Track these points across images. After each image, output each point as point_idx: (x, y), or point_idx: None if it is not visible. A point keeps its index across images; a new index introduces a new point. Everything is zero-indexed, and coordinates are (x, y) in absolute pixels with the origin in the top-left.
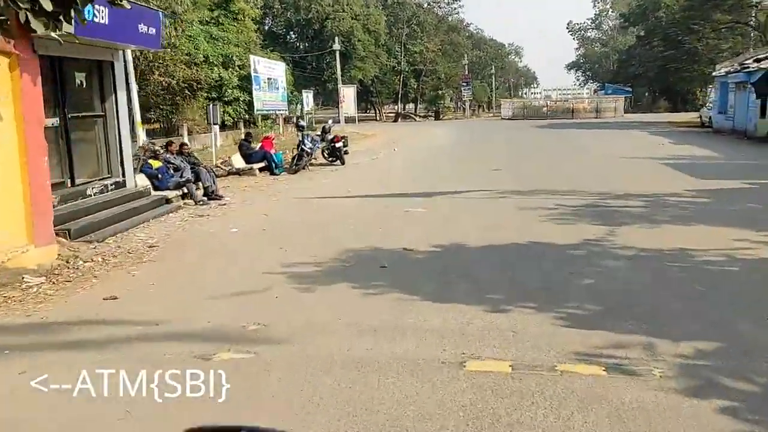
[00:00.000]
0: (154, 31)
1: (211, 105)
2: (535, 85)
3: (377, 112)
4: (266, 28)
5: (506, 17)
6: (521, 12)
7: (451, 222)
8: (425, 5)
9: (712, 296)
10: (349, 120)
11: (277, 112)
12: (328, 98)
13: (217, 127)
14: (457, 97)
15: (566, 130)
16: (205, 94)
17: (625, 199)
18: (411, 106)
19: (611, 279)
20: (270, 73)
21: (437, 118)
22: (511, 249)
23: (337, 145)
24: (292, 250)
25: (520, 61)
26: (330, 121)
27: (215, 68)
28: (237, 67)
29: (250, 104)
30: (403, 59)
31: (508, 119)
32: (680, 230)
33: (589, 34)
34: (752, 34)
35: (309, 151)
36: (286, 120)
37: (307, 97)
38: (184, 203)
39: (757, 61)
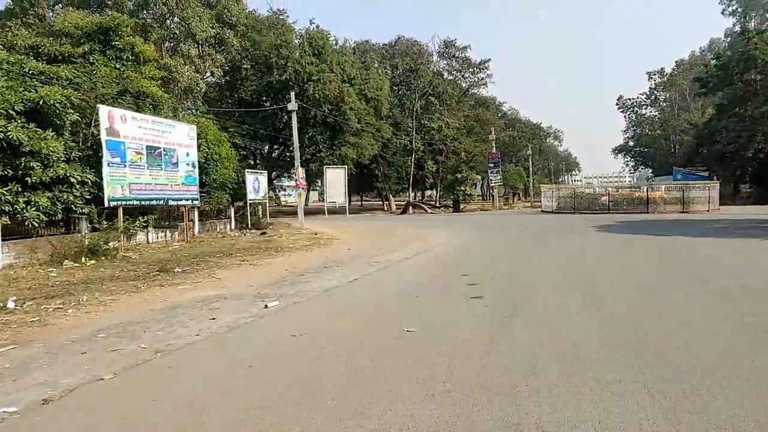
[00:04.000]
0: None
1: None
2: (577, 171)
3: (384, 200)
4: (236, 94)
5: (541, 100)
6: (556, 93)
7: None
8: (445, 75)
9: None
10: (335, 211)
11: (177, 203)
12: (313, 181)
13: None
14: (486, 183)
15: (681, 242)
16: None
17: None
18: (430, 193)
19: None
20: (157, 139)
21: (456, 209)
22: None
23: None
24: None
25: (560, 145)
26: None
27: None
28: (88, 125)
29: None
30: (417, 137)
31: (552, 212)
32: None
33: (642, 111)
34: None
35: None
36: (212, 212)
37: (256, 181)
38: None
39: None
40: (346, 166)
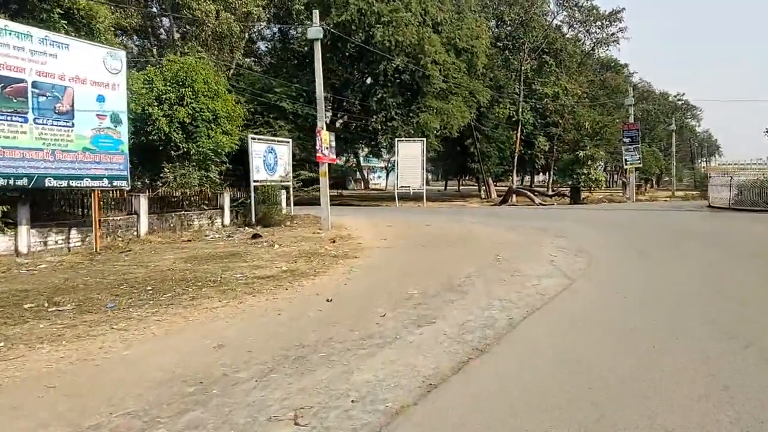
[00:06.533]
0: None
1: None
2: (718, 156)
3: (482, 185)
4: (288, 45)
5: (674, 70)
6: (691, 60)
7: None
8: (565, 30)
9: None
10: (410, 197)
11: (72, 183)
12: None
13: None
14: (613, 166)
15: None
16: None
17: None
18: (543, 178)
19: None
20: (17, 65)
21: (575, 199)
22: None
23: None
24: None
25: (698, 125)
26: None
27: None
28: None
29: None
30: (525, 105)
31: (730, 208)
32: None
33: None
34: None
35: None
36: (194, 201)
37: (269, 153)
38: None
39: None
40: (424, 139)
